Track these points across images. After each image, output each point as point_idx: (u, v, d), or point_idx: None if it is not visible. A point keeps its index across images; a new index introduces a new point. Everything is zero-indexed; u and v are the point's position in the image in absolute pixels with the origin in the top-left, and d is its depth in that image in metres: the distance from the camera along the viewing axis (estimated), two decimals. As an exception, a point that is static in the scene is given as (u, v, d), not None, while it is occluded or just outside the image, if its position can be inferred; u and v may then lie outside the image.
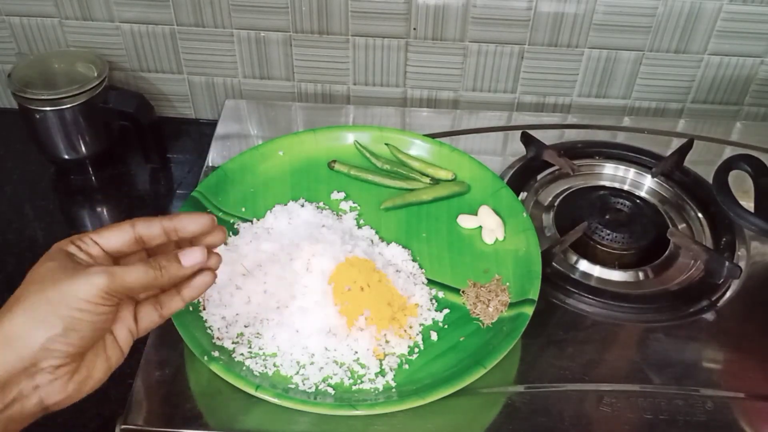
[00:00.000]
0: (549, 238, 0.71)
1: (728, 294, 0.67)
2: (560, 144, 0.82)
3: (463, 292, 0.64)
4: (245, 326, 0.59)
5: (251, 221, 0.69)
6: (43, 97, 0.77)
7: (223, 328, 0.59)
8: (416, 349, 0.59)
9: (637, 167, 0.80)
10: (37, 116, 0.78)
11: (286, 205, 0.71)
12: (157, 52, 0.88)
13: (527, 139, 0.80)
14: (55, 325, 0.41)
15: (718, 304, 0.66)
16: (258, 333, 0.58)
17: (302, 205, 0.70)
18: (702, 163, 0.80)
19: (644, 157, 0.81)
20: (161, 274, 0.45)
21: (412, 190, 0.74)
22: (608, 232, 0.70)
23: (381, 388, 0.56)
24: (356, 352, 0.58)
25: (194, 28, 0.85)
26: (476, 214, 0.70)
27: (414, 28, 0.85)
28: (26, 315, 0.42)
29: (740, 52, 0.86)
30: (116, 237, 0.46)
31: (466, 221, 0.70)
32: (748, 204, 0.69)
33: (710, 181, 0.72)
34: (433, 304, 0.63)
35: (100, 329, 0.44)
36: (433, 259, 0.67)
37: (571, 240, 0.69)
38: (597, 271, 0.69)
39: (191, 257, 0.47)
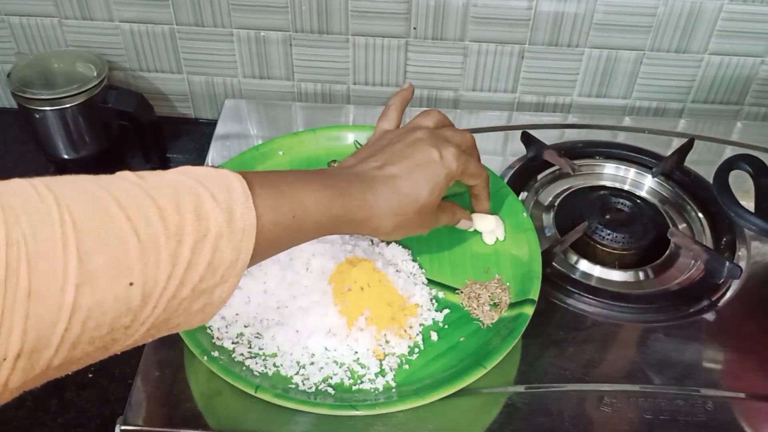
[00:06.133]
0: (549, 238, 0.71)
1: (728, 294, 0.67)
2: (560, 144, 0.82)
3: (462, 291, 0.64)
4: (245, 326, 0.59)
5: (251, 221, 0.69)
6: (43, 97, 0.77)
7: (222, 328, 0.59)
8: (416, 349, 0.59)
9: (637, 167, 0.80)
10: (37, 116, 0.78)
11: (286, 204, 0.70)
12: (157, 52, 0.88)
13: (527, 139, 0.80)
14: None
15: (718, 304, 0.66)
16: (258, 333, 0.58)
17: (302, 205, 0.70)
18: (702, 163, 0.80)
19: (644, 157, 0.80)
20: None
21: (412, 189, 0.73)
22: (608, 232, 0.70)
23: (381, 388, 0.56)
24: (356, 352, 0.58)
25: (194, 28, 0.85)
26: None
27: (414, 28, 0.85)
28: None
29: (741, 52, 0.86)
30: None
31: (479, 224, 0.69)
32: (748, 204, 0.69)
33: (710, 181, 0.72)
34: (433, 304, 0.62)
35: None
36: (433, 259, 0.67)
37: (571, 240, 0.69)
38: (597, 271, 0.69)
39: (466, 225, 0.65)
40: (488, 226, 0.68)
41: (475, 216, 0.69)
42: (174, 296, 0.38)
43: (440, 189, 0.54)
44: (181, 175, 0.41)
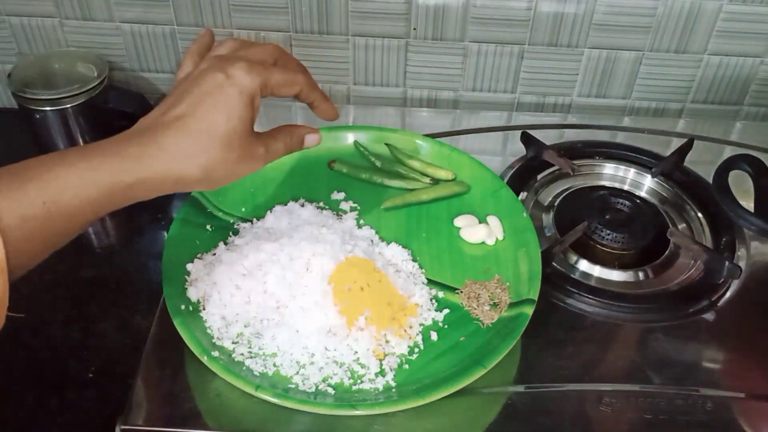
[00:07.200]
0: (549, 238, 0.71)
1: (728, 294, 0.67)
2: (560, 144, 0.82)
3: (462, 291, 0.64)
4: (245, 326, 0.59)
5: (251, 221, 0.69)
6: (43, 97, 0.77)
7: (223, 328, 0.59)
8: (416, 349, 0.59)
9: (637, 167, 0.80)
10: (37, 116, 0.78)
11: (286, 205, 0.71)
12: (157, 52, 0.88)
13: (527, 139, 0.80)
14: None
15: (718, 304, 0.66)
16: (258, 333, 0.59)
17: (302, 205, 0.70)
18: (702, 163, 0.80)
19: (644, 157, 0.81)
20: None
21: (412, 190, 0.74)
22: (608, 232, 0.70)
23: (381, 388, 0.56)
24: (356, 352, 0.58)
25: (194, 28, 0.85)
26: (476, 218, 0.70)
27: (414, 28, 0.85)
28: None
29: (740, 52, 0.86)
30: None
31: (468, 235, 0.69)
32: (748, 204, 0.69)
33: (710, 181, 0.72)
34: (433, 304, 0.63)
35: None
36: (433, 259, 0.67)
37: (571, 240, 0.69)
38: (597, 271, 0.69)
39: (313, 140, 0.58)
40: (478, 237, 0.68)
41: (464, 227, 0.69)
42: None
43: (240, 112, 0.48)
44: None
